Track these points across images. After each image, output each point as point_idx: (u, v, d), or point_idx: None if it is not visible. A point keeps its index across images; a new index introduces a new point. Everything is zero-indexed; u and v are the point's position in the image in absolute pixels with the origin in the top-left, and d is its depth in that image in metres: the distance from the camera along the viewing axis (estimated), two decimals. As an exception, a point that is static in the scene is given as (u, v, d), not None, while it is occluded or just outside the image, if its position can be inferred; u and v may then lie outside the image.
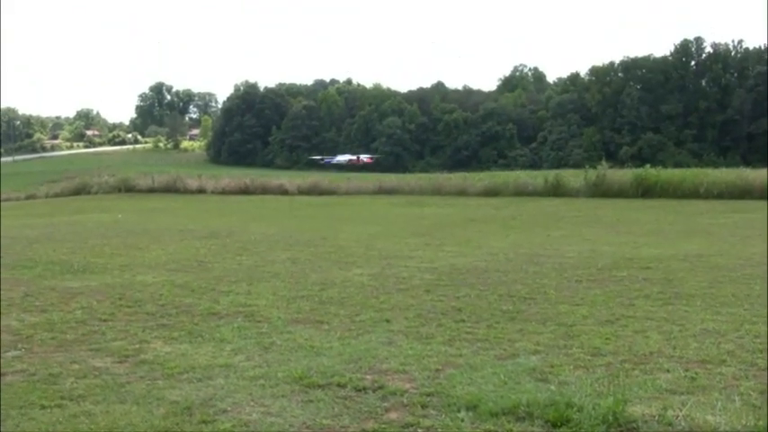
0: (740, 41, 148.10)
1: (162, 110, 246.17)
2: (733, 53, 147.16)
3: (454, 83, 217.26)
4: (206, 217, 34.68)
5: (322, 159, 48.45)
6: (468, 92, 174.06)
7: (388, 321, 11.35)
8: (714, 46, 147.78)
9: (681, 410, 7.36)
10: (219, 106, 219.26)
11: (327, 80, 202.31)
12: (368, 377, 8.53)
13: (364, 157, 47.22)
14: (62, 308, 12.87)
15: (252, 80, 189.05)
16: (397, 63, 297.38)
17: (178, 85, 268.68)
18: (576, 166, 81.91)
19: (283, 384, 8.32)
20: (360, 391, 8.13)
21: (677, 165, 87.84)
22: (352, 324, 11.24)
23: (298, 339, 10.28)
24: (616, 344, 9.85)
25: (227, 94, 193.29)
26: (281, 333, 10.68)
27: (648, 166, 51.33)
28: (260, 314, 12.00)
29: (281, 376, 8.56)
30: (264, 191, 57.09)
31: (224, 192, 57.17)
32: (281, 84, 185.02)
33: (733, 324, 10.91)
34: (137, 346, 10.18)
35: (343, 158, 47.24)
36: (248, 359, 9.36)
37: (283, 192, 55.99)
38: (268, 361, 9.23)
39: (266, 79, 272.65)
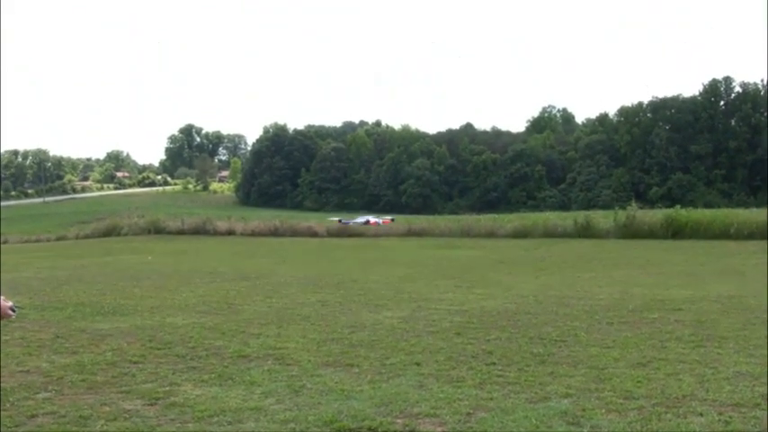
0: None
1: (191, 152, 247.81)
2: (762, 92, 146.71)
3: (483, 124, 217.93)
4: (235, 259, 34.76)
5: (340, 221, 48.23)
6: (496, 133, 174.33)
7: (418, 364, 11.30)
8: (743, 85, 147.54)
9: (715, 455, 7.31)
10: (249, 148, 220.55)
11: (356, 122, 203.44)
12: (399, 421, 8.48)
13: (382, 219, 46.97)
14: (92, 349, 12.89)
15: (281, 122, 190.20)
16: (426, 105, 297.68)
17: (208, 127, 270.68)
18: (606, 207, 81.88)
19: (314, 428, 8.28)
20: (390, 435, 8.10)
21: (707, 205, 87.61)
22: (382, 367, 11.18)
23: (328, 383, 10.23)
24: (648, 387, 9.75)
25: (257, 136, 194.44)
26: (312, 376, 10.64)
27: (678, 206, 51.24)
28: (290, 357, 11.97)
29: (311, 420, 8.52)
30: (294, 233, 57.23)
31: (253, 234, 57.37)
32: (309, 126, 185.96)
33: (767, 367, 10.79)
34: (167, 388, 10.15)
35: (361, 220, 47.02)
36: (279, 402, 9.31)
37: (313, 234, 56.12)
38: (298, 404, 9.19)
39: (295, 121, 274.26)
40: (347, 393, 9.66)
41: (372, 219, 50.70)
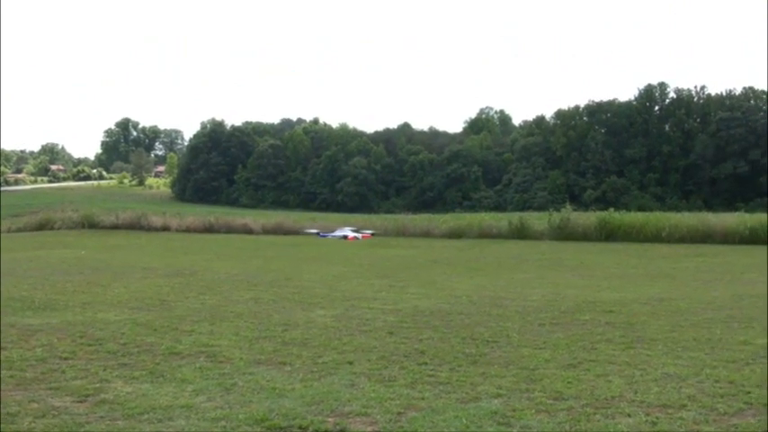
0: (702, 87, 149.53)
1: (127, 146, 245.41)
2: (696, 99, 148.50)
3: (421, 124, 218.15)
4: (170, 255, 34.53)
5: (318, 234, 46.87)
6: (434, 133, 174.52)
7: (350, 363, 11.32)
8: (677, 91, 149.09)
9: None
10: (186, 143, 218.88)
11: (294, 119, 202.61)
12: (330, 420, 8.50)
13: (360, 234, 45.33)
14: (21, 345, 12.75)
15: (219, 118, 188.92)
16: (363, 103, 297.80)
17: (144, 122, 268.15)
18: (541, 208, 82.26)
19: (244, 426, 8.28)
20: (321, 434, 8.11)
21: (641, 208, 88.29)
22: (314, 366, 11.19)
23: (260, 381, 10.22)
24: (578, 388, 9.86)
25: (194, 132, 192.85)
26: (243, 374, 10.62)
27: (612, 209, 51.71)
28: (222, 354, 11.94)
29: (242, 418, 8.51)
30: (229, 229, 57.00)
31: (188, 230, 57.09)
32: (247, 122, 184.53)
33: (694, 368, 10.98)
34: (97, 385, 10.07)
35: (339, 233, 45.49)
36: (209, 400, 9.28)
37: (248, 231, 55.94)
38: (229, 402, 9.17)
39: (233, 117, 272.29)
40: (279, 392, 9.66)
41: (351, 233, 48.77)
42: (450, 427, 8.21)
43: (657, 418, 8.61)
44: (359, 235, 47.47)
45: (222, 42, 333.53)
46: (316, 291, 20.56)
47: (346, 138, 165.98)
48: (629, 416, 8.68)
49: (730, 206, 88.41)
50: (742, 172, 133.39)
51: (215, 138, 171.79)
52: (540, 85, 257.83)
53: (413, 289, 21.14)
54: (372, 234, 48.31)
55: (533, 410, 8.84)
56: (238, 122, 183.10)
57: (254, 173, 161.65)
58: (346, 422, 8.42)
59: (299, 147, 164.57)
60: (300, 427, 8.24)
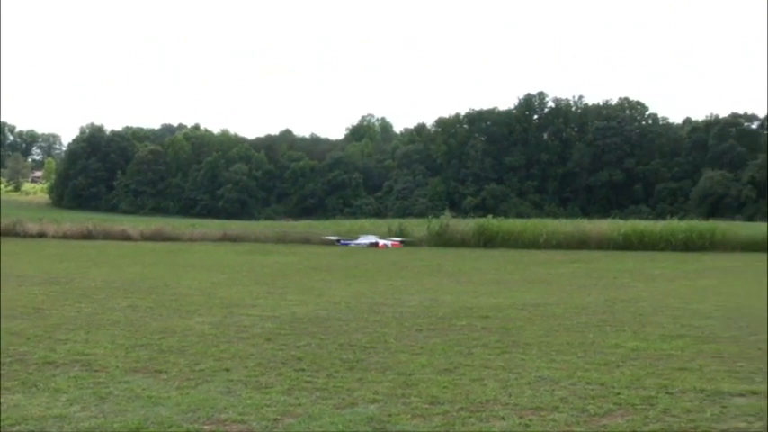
0: (580, 97, 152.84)
1: (3, 150, 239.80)
2: (573, 108, 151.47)
3: (302, 131, 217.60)
4: (45, 262, 33.84)
5: (338, 241, 44.37)
6: (315, 140, 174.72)
7: (227, 370, 11.27)
8: (556, 101, 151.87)
9: (514, 458, 7.54)
10: (64, 149, 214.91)
11: (175, 125, 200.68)
12: (206, 427, 8.46)
13: (390, 242, 42.42)
14: None
15: (98, 123, 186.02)
16: (245, 109, 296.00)
17: (21, 126, 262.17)
18: (421, 215, 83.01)
19: (119, 435, 8.20)
20: (197, 441, 8.08)
21: (519, 215, 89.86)
22: (191, 373, 11.12)
23: (135, 389, 10.11)
24: (453, 392, 9.98)
25: (73, 137, 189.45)
26: (119, 382, 10.48)
27: (490, 216, 52.40)
28: (97, 363, 11.77)
29: (116, 427, 8.42)
30: (107, 236, 56.18)
31: (65, 236, 56.08)
32: (127, 127, 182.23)
33: (567, 371, 11.21)
34: (-33, 396, 9.83)
35: (365, 241, 42.92)
36: (84, 409, 9.14)
37: (126, 237, 55.23)
38: (104, 411, 9.05)
39: (113, 122, 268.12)
40: (154, 400, 9.57)
41: (381, 241, 45.43)
42: (326, 434, 8.25)
43: (530, 420, 8.77)
44: (388, 242, 44.92)
45: (102, 45, 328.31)
46: (194, 298, 20.40)
47: (227, 144, 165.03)
48: (502, 419, 8.83)
49: (606, 213, 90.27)
50: (617, 180, 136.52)
51: (94, 143, 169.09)
52: (421, 93, 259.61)
53: (291, 296, 21.12)
54: (402, 242, 45.74)
55: (409, 415, 8.93)
56: (118, 127, 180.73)
57: (134, 179, 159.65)
58: (222, 429, 8.39)
59: (179, 153, 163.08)
60: (177, 436, 8.20)
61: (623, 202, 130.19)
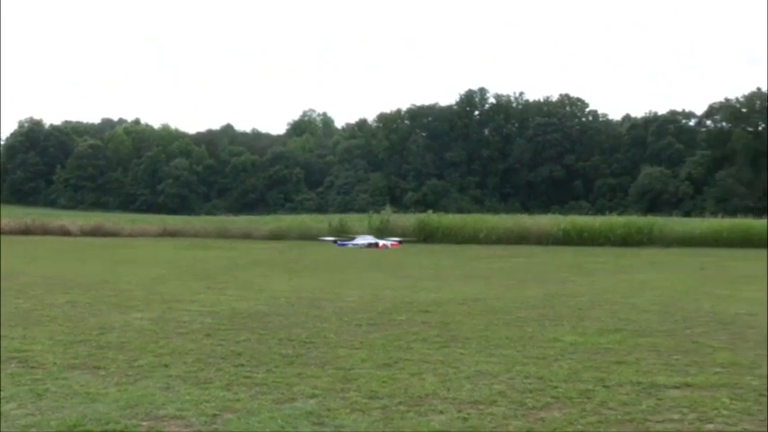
0: (521, 93, 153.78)
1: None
2: (514, 104, 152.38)
3: (243, 126, 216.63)
4: (-19, 258, 33.45)
5: (335, 241, 43.01)
6: (256, 135, 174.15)
7: (166, 366, 11.21)
8: (497, 97, 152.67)
9: (452, 452, 7.59)
10: (1, 143, 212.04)
11: (115, 119, 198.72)
12: (144, 423, 8.41)
13: (389, 242, 41.19)
14: None
15: (36, 117, 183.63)
16: (185, 104, 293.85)
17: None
18: (362, 210, 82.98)
19: (56, 432, 8.14)
20: (135, 438, 8.03)
21: (460, 210, 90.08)
22: (129, 369, 11.04)
23: (73, 386, 10.01)
24: (392, 387, 10.01)
25: (11, 131, 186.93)
26: (57, 379, 10.38)
27: (431, 211, 52.58)
28: (35, 360, 11.64)
29: (53, 424, 8.34)
30: (46, 231, 55.70)
31: (3, 232, 55.36)
32: (66, 122, 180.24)
33: (505, 365, 11.29)
34: None
35: (362, 241, 41.66)
36: (20, 407, 9.03)
37: (65, 233, 54.79)
38: (41, 408, 8.96)
39: (52, 116, 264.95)
40: (93, 396, 9.48)
41: (381, 241, 43.54)
42: (265, 429, 8.23)
43: (469, 414, 8.83)
44: (387, 243, 43.26)
45: (39, 40, 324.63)
46: (133, 293, 20.27)
47: (168, 139, 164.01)
48: (441, 413, 8.87)
49: (546, 208, 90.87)
50: (557, 176, 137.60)
51: (33, 137, 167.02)
52: (362, 89, 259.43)
53: (231, 291, 21.05)
54: (400, 242, 44.38)
55: (348, 410, 8.94)
56: (57, 122, 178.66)
57: (73, 173, 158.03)
58: (161, 426, 8.35)
59: (119, 147, 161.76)
60: (114, 433, 8.15)
61: (563, 197, 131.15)
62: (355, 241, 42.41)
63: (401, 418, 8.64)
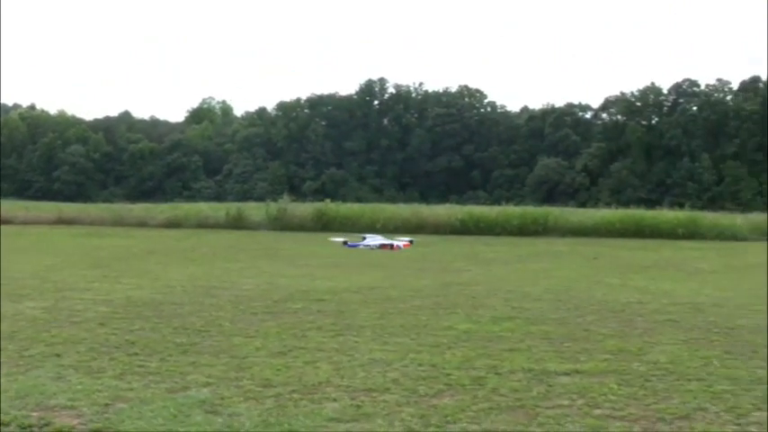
0: (421, 84, 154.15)
1: None
2: (414, 95, 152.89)
3: (141, 113, 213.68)
4: None
5: (345, 242, 40.98)
6: (154, 122, 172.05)
7: (58, 356, 11.09)
8: (397, 87, 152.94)
9: (344, 439, 7.66)
10: None
11: (10, 104, 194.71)
12: (34, 414, 8.32)
13: (401, 242, 39.45)
14: None
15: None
16: (82, 90, 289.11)
17: None
18: (261, 199, 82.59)
19: (-58, 425, 8.01)
20: (25, 429, 7.92)
21: (359, 200, 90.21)
22: (20, 359, 10.89)
23: (-39, 377, 9.85)
24: (287, 375, 10.07)
25: None
26: (-56, 370, 10.21)
27: (329, 200, 52.60)
28: None
29: (-60, 416, 8.21)
30: (-67, 220, 54.32)
31: None
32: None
33: (399, 353, 11.42)
34: None
35: (374, 242, 39.71)
36: None
37: (-45, 221, 53.47)
38: (-73, 400, 8.81)
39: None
40: (-19, 387, 9.35)
41: (395, 242, 41.08)
42: (157, 418, 8.21)
43: (362, 401, 8.93)
44: (400, 243, 41.19)
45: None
46: (26, 282, 19.93)
47: (64, 125, 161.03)
48: (334, 400, 8.96)
49: (444, 198, 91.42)
50: (456, 166, 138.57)
51: None
52: (262, 77, 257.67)
53: (126, 279, 20.84)
54: (411, 242, 42.35)
55: (241, 398, 8.97)
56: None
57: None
58: (51, 416, 8.27)
59: (13, 133, 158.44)
60: (3, 423, 8.01)
61: (461, 187, 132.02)
62: (366, 242, 41.23)
63: (294, 406, 8.70)
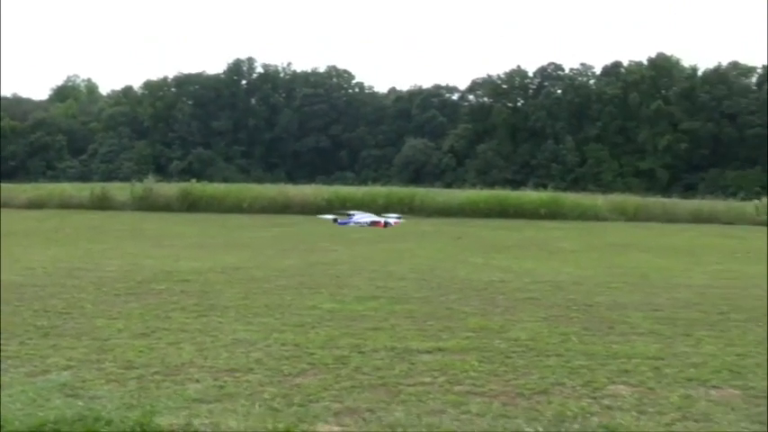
0: (289, 64, 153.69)
1: None
2: (282, 75, 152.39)
3: (3, 90, 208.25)
4: None
5: (335, 220, 39.25)
6: (17, 100, 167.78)
7: None
8: (264, 66, 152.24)
9: (207, 419, 7.67)
10: None
11: None
12: None
13: (392, 219, 37.79)
14: None
15: None
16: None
17: None
18: (126, 179, 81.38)
19: None
20: None
21: (226, 180, 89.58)
22: None
23: None
24: (149, 356, 10.03)
25: None
26: None
27: (195, 180, 52.19)
28: None
29: None
30: None
31: None
32: None
33: (263, 333, 11.48)
34: None
35: (364, 219, 37.92)
36: None
37: None
38: None
39: None
40: None
41: (388, 219, 40.18)
42: (16, 402, 8.07)
43: (225, 381, 8.96)
44: (391, 220, 39.42)
45: None
46: None
47: None
48: (197, 381, 8.97)
49: (312, 179, 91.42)
50: (324, 146, 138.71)
51: None
52: (128, 55, 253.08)
53: (-15, 261, 20.40)
54: (399, 218, 40.77)
55: (103, 380, 8.91)
56: None
57: None
58: None
59: None
60: None
61: (329, 168, 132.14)
62: (356, 219, 40.37)
63: (156, 388, 8.69)
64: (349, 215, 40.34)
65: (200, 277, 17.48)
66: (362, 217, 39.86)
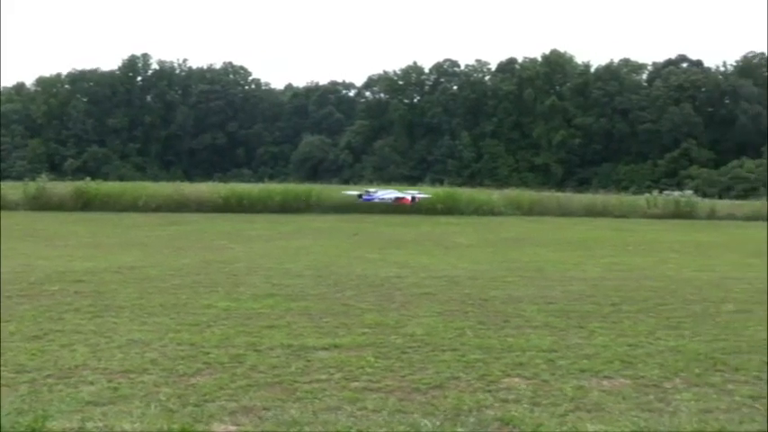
0: (185, 60, 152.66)
1: None
2: (178, 71, 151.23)
3: None
4: None
5: (360, 196, 37.31)
6: None
7: None
8: (160, 63, 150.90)
9: (101, 421, 7.62)
10: None
11: None
12: None
13: (418, 195, 36.26)
14: None
15: None
16: None
17: None
18: (19, 178, 80.00)
19: None
20: None
21: (121, 178, 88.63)
22: None
23: None
24: (42, 359, 9.89)
25: None
26: None
27: (89, 178, 51.45)
28: None
29: None
30: None
31: None
32: None
33: (158, 333, 11.43)
34: None
35: (388, 195, 36.14)
36: None
37: None
38: None
39: None
40: None
41: (403, 195, 40.30)
42: None
43: (119, 383, 8.90)
44: (417, 196, 38.06)
45: None
46: None
47: None
48: (91, 383, 8.89)
49: (209, 176, 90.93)
50: (220, 143, 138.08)
51: None
52: (20, 51, 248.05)
53: None
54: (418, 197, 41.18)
55: (-8, 385, 8.77)
56: None
57: None
58: None
59: None
60: None
61: (226, 165, 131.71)
62: (380, 195, 40.94)
63: (49, 391, 8.59)
64: (373, 191, 39.98)
65: (95, 277, 17.25)
66: (387, 193, 39.71)
